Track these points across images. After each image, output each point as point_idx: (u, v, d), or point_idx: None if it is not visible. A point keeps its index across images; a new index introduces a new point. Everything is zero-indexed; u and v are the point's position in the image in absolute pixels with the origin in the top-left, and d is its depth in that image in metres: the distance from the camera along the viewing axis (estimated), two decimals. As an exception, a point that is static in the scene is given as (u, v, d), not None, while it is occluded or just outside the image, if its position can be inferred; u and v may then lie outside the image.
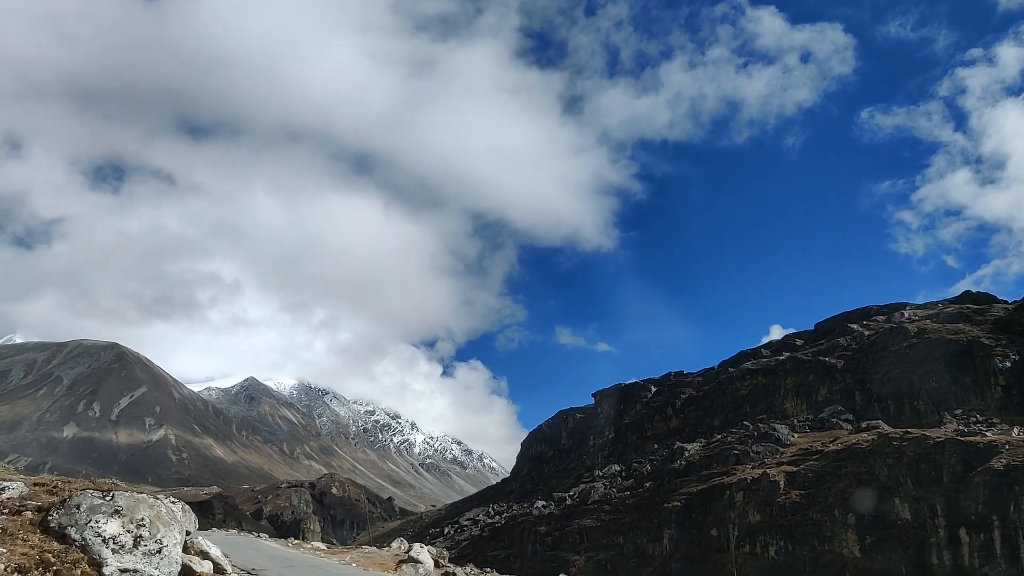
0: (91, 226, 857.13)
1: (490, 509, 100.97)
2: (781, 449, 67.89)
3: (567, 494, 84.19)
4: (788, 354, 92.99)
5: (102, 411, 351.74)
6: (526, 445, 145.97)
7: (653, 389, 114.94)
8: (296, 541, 37.06)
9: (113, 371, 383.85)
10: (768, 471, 62.02)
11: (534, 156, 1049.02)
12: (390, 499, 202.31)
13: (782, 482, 59.46)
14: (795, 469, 60.79)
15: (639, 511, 71.87)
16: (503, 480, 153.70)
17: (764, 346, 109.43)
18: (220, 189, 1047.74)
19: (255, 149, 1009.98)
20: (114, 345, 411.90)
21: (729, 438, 75.51)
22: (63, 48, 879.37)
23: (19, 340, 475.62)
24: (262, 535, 47.09)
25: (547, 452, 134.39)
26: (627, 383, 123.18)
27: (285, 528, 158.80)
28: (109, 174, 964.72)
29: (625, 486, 79.72)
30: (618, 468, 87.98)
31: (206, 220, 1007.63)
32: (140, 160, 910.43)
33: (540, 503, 78.38)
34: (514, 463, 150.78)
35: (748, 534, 58.93)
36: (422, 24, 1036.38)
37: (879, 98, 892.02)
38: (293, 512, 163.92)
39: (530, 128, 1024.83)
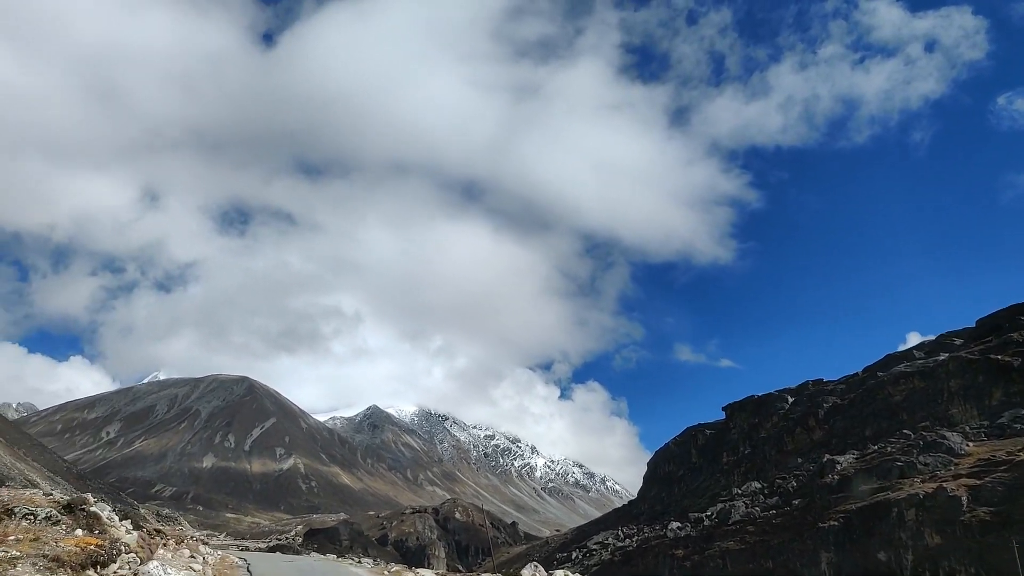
0: (221, 267, 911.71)
1: (619, 532, 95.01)
2: (955, 460, 59.03)
3: (704, 514, 77.33)
4: (947, 354, 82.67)
5: (236, 442, 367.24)
6: (653, 465, 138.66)
7: (790, 400, 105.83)
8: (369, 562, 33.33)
9: (245, 404, 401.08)
10: (944, 485, 53.66)
11: (642, 171, 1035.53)
12: (514, 524, 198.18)
13: (964, 498, 51.05)
14: (978, 482, 52.18)
15: (788, 531, 64.44)
16: (629, 502, 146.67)
17: (915, 347, 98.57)
18: (336, 225, 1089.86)
19: (367, 184, 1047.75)
20: (245, 379, 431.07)
21: (889, 448, 66.91)
22: (190, 102, 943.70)
23: (162, 377, 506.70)
24: (364, 561, 43.76)
25: (676, 471, 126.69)
26: (760, 395, 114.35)
27: (410, 554, 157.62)
28: (235, 218, 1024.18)
29: (769, 504, 72.23)
30: (759, 485, 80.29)
31: (325, 255, 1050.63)
32: (262, 202, 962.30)
33: (675, 525, 72.19)
34: (639, 485, 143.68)
35: (927, 558, 50.79)
36: (523, 49, 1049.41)
37: (1017, 81, 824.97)
38: (418, 538, 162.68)
39: (636, 143, 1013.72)
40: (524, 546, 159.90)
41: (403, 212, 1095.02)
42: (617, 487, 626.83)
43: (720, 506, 78.76)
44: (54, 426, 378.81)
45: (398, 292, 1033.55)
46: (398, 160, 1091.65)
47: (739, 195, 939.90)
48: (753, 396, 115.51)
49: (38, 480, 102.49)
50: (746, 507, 73.89)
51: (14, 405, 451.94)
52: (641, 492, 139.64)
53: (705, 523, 76.05)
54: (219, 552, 35.75)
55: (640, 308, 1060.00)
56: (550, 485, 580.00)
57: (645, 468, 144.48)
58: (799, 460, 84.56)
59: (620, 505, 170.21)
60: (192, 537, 46.94)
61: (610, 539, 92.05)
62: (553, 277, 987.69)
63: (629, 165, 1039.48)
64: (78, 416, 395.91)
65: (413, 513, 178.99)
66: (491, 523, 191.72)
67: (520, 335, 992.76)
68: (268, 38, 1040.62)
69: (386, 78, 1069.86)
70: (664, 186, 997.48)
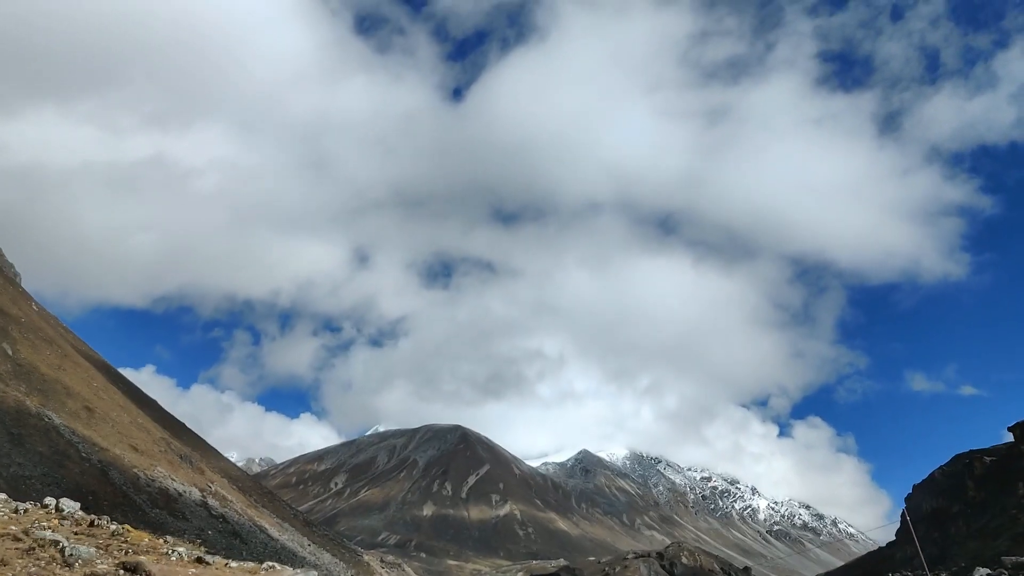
0: (428, 319, 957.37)
1: (895, 580, 78.67)
2: None
3: (1020, 559, 60.66)
4: None
5: (453, 490, 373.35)
6: (914, 502, 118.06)
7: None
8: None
9: (459, 452, 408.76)
10: None
11: (852, 186, 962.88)
12: (747, 569, 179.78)
13: None
14: None
15: None
16: (889, 544, 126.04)
17: None
18: (535, 268, 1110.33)
19: (562, 226, 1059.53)
20: (457, 427, 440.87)
21: None
22: (389, 163, 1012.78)
23: (382, 429, 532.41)
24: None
25: (949, 508, 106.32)
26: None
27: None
28: (438, 271, 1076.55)
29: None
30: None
31: (526, 299, 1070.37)
32: (462, 252, 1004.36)
33: (984, 572, 56.76)
34: (878, 526, 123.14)
35: None
36: (711, 71, 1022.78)
37: None
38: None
39: (842, 157, 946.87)
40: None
41: (600, 251, 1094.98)
42: (851, 529, 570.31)
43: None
44: (290, 478, 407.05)
45: (600, 331, 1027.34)
46: (591, 199, 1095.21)
47: (969, 202, 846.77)
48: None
49: (267, 527, 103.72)
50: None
51: (257, 460, 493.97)
52: (902, 532, 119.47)
53: None
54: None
55: (862, 335, 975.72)
56: (776, 528, 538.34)
57: (882, 508, 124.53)
58: None
59: (857, 548, 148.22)
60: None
61: (884, 588, 76.14)
62: (762, 307, 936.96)
63: (837, 181, 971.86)
64: (309, 468, 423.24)
65: (636, 558, 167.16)
66: (721, 568, 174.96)
67: (731, 370, 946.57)
68: (457, 93, 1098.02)
69: (574, 118, 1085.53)
70: (878, 200, 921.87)
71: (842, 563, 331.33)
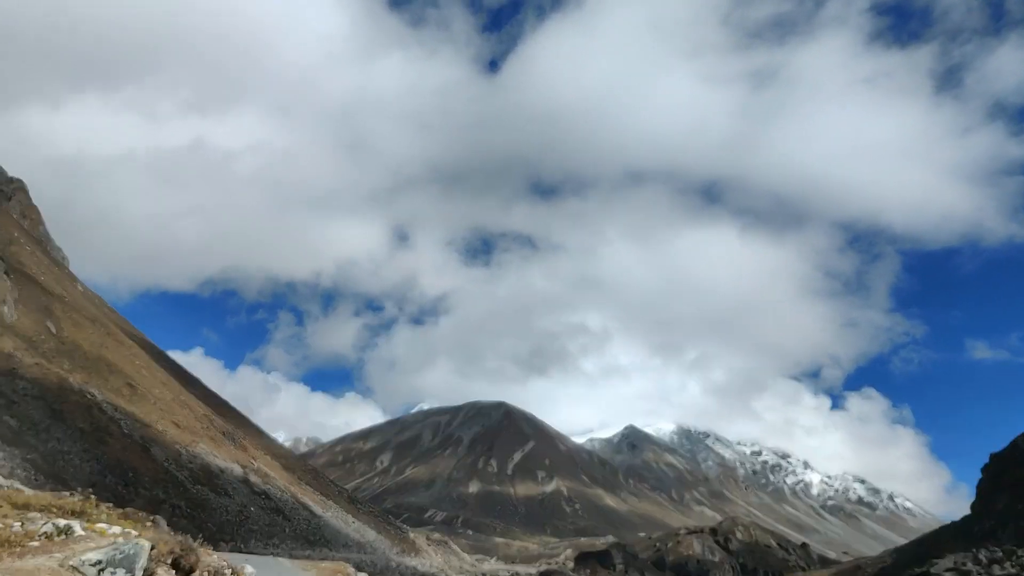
0: (469, 296, 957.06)
1: (979, 556, 73.07)
2: None
3: None
4: None
5: (499, 466, 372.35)
6: (992, 472, 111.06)
7: None
8: None
9: (504, 428, 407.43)
10: None
11: (907, 147, 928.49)
12: (805, 545, 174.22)
13: None
14: None
15: None
16: (965, 519, 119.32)
17: None
18: (576, 242, 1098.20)
19: (603, 198, 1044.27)
20: (501, 404, 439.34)
21: None
22: (426, 140, 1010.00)
23: (426, 407, 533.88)
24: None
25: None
26: None
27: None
28: (478, 247, 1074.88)
29: None
30: None
31: (568, 274, 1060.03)
32: (502, 228, 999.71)
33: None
34: (938, 499, 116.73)
35: None
36: (756, 31, 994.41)
37: None
38: (699, 561, 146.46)
39: (897, 117, 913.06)
40: (825, 571, 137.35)
41: (642, 222, 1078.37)
42: (908, 504, 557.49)
43: None
44: (336, 457, 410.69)
45: (645, 305, 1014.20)
46: (633, 169, 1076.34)
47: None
48: None
49: (310, 504, 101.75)
50: None
51: (304, 439, 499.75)
52: (978, 505, 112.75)
53: None
54: None
55: (918, 302, 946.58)
56: (830, 503, 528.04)
57: (941, 481, 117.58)
58: None
59: (915, 523, 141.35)
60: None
61: (968, 563, 70.68)
62: (813, 276, 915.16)
63: (891, 142, 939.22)
64: (355, 447, 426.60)
65: (689, 533, 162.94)
66: (778, 544, 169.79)
67: (781, 342, 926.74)
68: (493, 65, 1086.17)
69: (614, 86, 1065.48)
70: (936, 161, 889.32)
71: (901, 538, 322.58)
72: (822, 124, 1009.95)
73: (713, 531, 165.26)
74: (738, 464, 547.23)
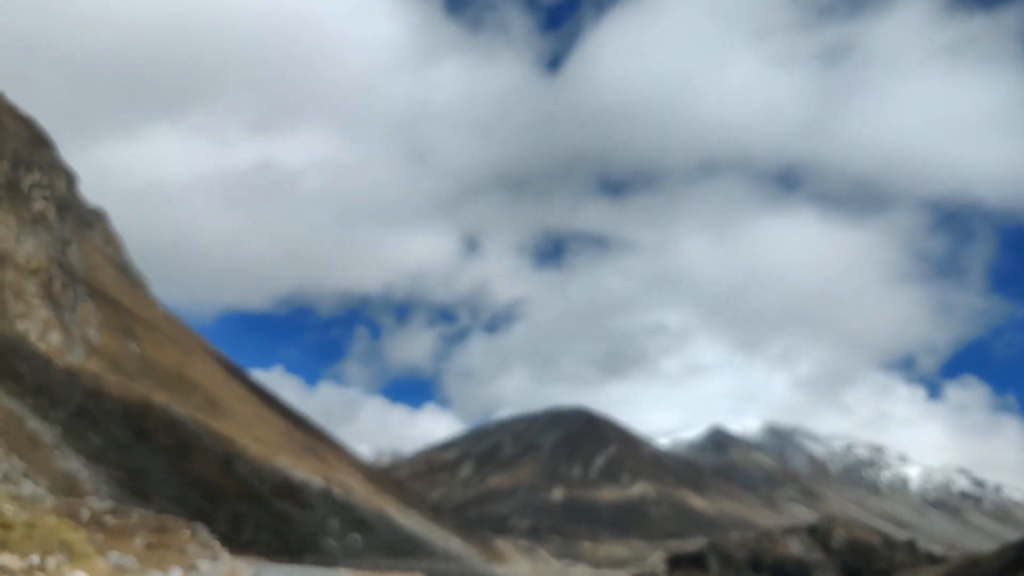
0: (542, 301, 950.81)
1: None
2: None
3: None
4: None
5: (582, 472, 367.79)
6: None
7: None
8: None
9: (584, 433, 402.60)
10: None
11: (997, 116, 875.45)
12: (911, 542, 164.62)
13: None
14: None
15: None
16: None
17: None
18: (650, 239, 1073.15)
19: (674, 191, 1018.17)
20: (580, 408, 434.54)
21: None
22: (490, 145, 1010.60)
23: (504, 415, 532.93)
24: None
25: None
26: None
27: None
28: (549, 250, 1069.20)
29: None
30: None
31: (643, 272, 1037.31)
32: (572, 229, 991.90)
33: None
34: None
35: None
36: (826, 7, 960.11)
37: None
38: (798, 561, 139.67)
39: (984, 85, 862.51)
40: (937, 568, 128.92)
41: (717, 214, 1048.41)
42: (1018, 495, 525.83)
43: None
44: (418, 468, 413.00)
45: (724, 300, 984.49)
46: (704, 160, 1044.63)
47: None
48: None
49: (393, 515, 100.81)
50: None
51: (386, 452, 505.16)
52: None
53: None
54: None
55: (1020, 281, 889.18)
56: (931, 497, 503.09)
57: None
58: None
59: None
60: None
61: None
62: (901, 259, 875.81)
63: (979, 113, 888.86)
64: (436, 458, 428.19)
65: (784, 533, 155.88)
66: (882, 541, 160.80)
67: (870, 331, 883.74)
68: (553, 63, 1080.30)
69: (679, 76, 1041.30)
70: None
71: (1014, 532, 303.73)
72: (902, 99, 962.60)
73: (811, 530, 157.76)
74: (830, 460, 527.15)
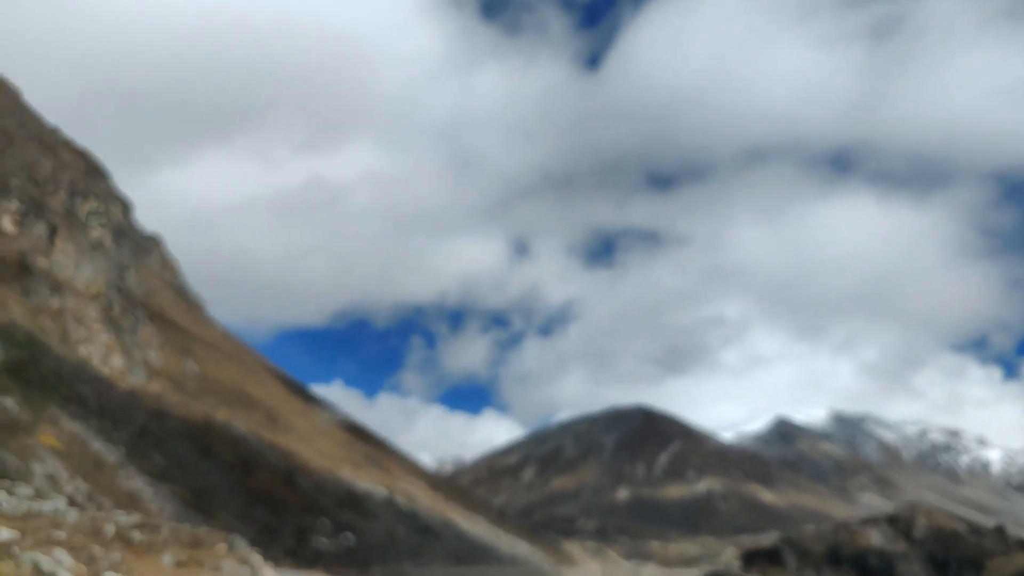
0: (595, 300, 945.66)
1: None
2: None
3: None
4: None
5: (646, 470, 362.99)
6: None
7: None
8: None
9: (646, 431, 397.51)
10: None
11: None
12: (999, 528, 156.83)
13: None
14: None
15: None
16: None
17: None
18: (702, 231, 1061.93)
19: (725, 181, 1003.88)
20: (640, 407, 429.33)
21: None
22: (532, 146, 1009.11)
23: (563, 417, 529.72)
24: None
25: None
26: None
27: (873, 572, 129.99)
28: (599, 249, 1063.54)
29: None
30: None
31: (696, 265, 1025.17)
32: (622, 226, 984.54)
33: None
34: None
35: None
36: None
37: None
38: (880, 554, 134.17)
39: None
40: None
41: (770, 201, 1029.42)
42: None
43: None
44: (481, 474, 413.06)
45: (783, 288, 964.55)
46: (753, 147, 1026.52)
47: None
48: None
49: (458, 521, 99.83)
50: None
51: (448, 460, 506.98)
52: None
53: None
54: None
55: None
56: (1015, 480, 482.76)
57: None
58: None
59: None
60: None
61: None
62: (967, 235, 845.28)
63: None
64: (498, 463, 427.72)
65: (864, 524, 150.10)
66: (968, 528, 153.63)
67: (937, 312, 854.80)
68: (593, 61, 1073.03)
69: (722, 64, 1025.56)
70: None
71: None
72: (959, 69, 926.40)
73: (891, 519, 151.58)
74: (903, 446, 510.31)
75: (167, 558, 13.97)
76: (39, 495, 19.47)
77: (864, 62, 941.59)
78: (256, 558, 15.59)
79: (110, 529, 14.89)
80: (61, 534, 13.86)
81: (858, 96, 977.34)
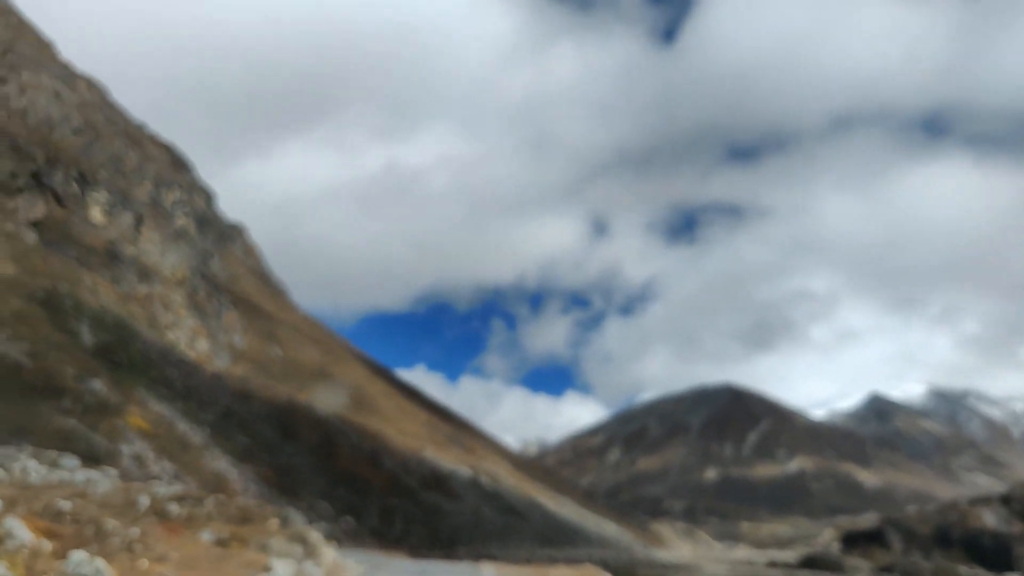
0: (677, 277, 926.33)
1: None
2: None
3: None
4: None
5: (733, 449, 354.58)
6: None
7: None
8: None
9: (734, 410, 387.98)
10: None
11: None
12: None
13: None
14: None
15: None
16: None
17: None
18: (786, 202, 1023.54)
19: (808, 151, 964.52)
20: (727, 385, 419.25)
21: None
22: (609, 123, 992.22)
23: (648, 396, 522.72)
24: None
25: None
26: None
27: (987, 555, 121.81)
28: (680, 225, 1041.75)
29: None
30: None
31: (781, 238, 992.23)
32: (703, 201, 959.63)
33: None
34: None
35: None
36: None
37: None
38: (994, 535, 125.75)
39: None
40: None
41: (857, 170, 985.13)
42: None
43: None
44: (565, 456, 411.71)
45: (873, 259, 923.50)
46: (837, 114, 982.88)
47: None
48: None
49: (544, 502, 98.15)
50: None
51: (533, 442, 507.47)
52: None
53: None
54: None
55: None
56: None
57: None
58: None
59: None
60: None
61: None
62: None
63: None
64: (583, 444, 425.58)
65: (974, 504, 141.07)
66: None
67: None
68: (669, 34, 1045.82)
69: (803, 29, 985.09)
70: None
71: None
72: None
73: (1005, 498, 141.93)
74: (1012, 423, 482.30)
75: (207, 535, 12.32)
76: (88, 466, 18.37)
77: (957, 20, 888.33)
78: (315, 535, 13.81)
79: (144, 501, 13.36)
80: (66, 504, 12.31)
81: (950, 57, 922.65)
